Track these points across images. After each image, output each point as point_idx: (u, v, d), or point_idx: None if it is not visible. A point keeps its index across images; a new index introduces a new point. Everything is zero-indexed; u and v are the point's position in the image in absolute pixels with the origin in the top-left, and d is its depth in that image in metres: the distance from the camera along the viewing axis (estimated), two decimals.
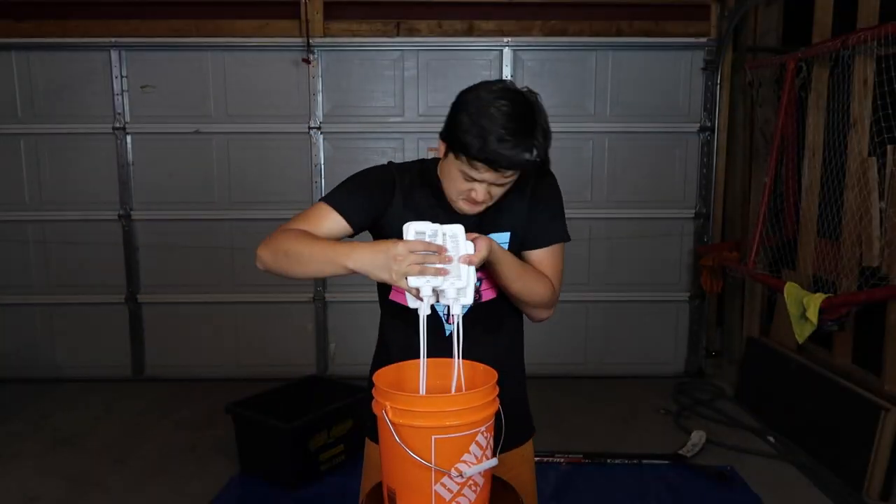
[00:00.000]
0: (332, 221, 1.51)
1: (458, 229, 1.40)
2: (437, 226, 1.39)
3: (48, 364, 4.76)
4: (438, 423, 1.33)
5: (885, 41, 3.09)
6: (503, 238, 1.59)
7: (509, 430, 1.45)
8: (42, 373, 4.75)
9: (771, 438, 3.77)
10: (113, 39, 4.48)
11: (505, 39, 4.53)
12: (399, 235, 1.42)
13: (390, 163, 1.66)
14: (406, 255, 1.33)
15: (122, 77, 4.54)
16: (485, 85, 1.45)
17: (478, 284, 1.60)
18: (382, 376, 1.47)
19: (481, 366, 1.48)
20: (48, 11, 4.46)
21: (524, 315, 1.69)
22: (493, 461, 1.39)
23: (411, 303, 1.44)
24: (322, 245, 1.43)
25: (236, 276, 4.73)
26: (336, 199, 1.54)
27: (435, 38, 4.51)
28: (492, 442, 1.41)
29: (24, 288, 4.72)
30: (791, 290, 3.49)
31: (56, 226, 4.67)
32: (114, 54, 4.51)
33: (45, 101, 4.56)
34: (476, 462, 1.35)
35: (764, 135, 4.22)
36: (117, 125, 4.57)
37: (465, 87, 1.49)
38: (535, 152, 1.40)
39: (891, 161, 3.16)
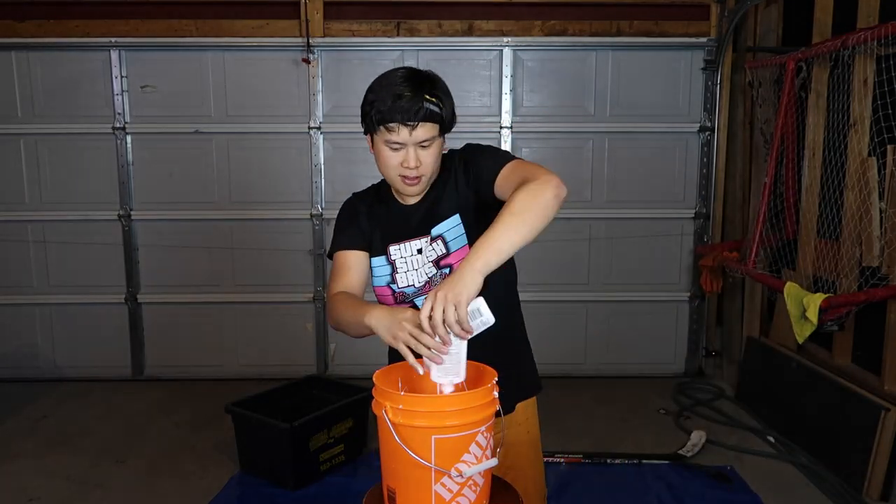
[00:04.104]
0: (351, 259, 1.75)
1: (478, 302, 1.39)
2: None
3: (48, 364, 4.77)
4: (438, 422, 1.33)
5: (885, 41, 3.09)
6: (454, 221, 1.69)
7: (509, 390, 1.50)
8: (42, 373, 4.75)
9: (771, 438, 3.77)
10: (113, 39, 4.48)
11: (505, 39, 4.53)
12: (372, 241, 1.73)
13: (353, 194, 1.87)
14: (407, 326, 1.40)
15: (122, 77, 4.54)
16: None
17: (448, 271, 1.68)
18: (382, 376, 1.47)
19: (482, 365, 1.48)
20: (48, 11, 4.46)
21: None
22: (494, 461, 1.39)
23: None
24: (353, 309, 1.57)
25: (236, 276, 4.74)
26: (339, 243, 1.78)
27: (435, 38, 4.51)
28: (492, 442, 1.41)
29: (24, 288, 4.72)
30: (791, 290, 3.49)
31: (56, 226, 4.67)
32: (114, 54, 4.51)
33: (45, 101, 4.56)
34: (476, 462, 1.35)
35: (764, 135, 4.22)
36: (117, 125, 4.57)
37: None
38: (436, 102, 1.58)
39: (891, 161, 3.16)
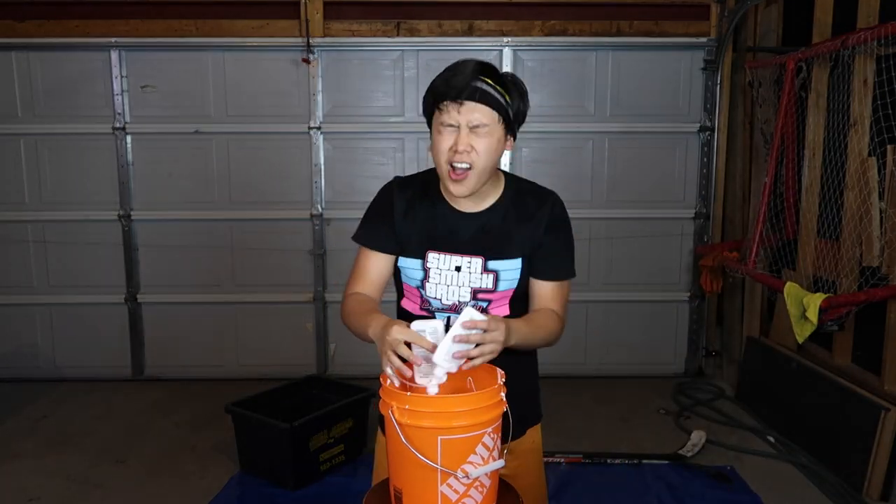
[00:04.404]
0: (374, 262, 1.69)
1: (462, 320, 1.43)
2: (437, 323, 1.44)
3: (48, 364, 4.76)
4: (445, 423, 1.33)
5: (885, 41, 3.09)
6: (515, 264, 1.64)
7: (516, 420, 1.48)
8: (42, 373, 4.74)
9: (771, 438, 3.77)
10: (113, 39, 4.47)
11: (505, 39, 4.53)
12: (407, 243, 1.64)
13: (395, 178, 1.74)
14: (388, 342, 1.40)
15: (122, 77, 4.53)
16: None
17: (485, 305, 1.66)
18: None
19: (488, 365, 1.48)
20: (48, 11, 4.45)
21: None
22: (500, 462, 1.39)
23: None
24: (360, 317, 1.56)
25: (236, 276, 4.73)
26: (368, 237, 1.70)
27: (435, 38, 4.51)
28: (499, 443, 1.41)
29: (24, 288, 4.71)
30: (791, 290, 3.49)
31: (56, 226, 4.66)
32: (114, 54, 4.50)
33: (45, 101, 4.55)
34: (482, 463, 1.35)
35: (764, 135, 4.23)
36: (117, 125, 4.56)
37: None
38: (492, 85, 1.51)
39: (891, 161, 3.17)
